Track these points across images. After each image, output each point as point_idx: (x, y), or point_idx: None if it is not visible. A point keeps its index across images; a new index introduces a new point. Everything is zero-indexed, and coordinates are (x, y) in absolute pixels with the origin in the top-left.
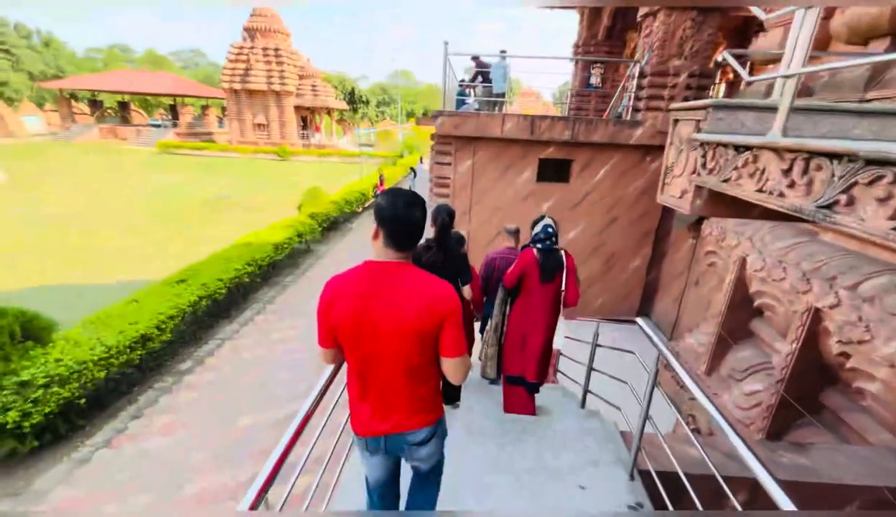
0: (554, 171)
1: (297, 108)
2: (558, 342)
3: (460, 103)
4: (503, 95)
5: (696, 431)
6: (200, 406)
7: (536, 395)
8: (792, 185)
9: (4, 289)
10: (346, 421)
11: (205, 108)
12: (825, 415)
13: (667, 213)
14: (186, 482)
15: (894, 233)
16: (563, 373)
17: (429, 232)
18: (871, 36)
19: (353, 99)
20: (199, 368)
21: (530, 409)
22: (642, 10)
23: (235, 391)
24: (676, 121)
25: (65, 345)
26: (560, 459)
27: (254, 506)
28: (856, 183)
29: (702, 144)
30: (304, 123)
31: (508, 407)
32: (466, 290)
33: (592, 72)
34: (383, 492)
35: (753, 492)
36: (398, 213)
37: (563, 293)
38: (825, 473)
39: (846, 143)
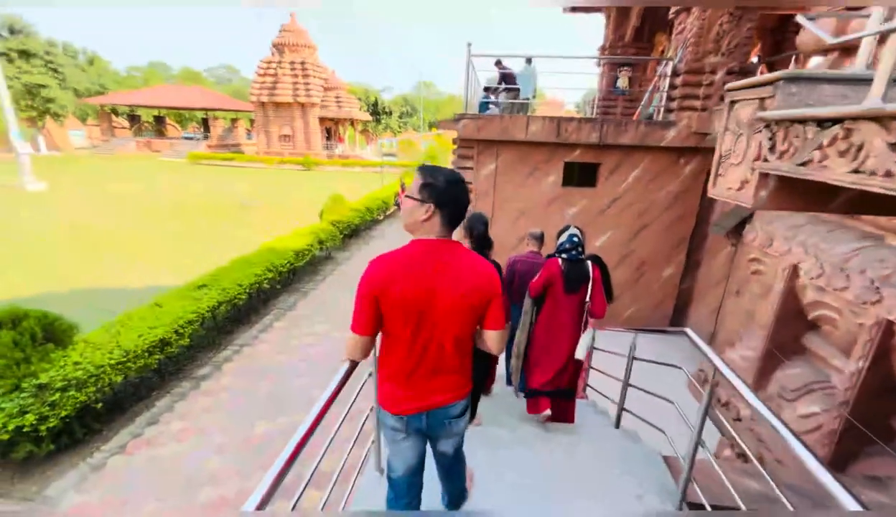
0: (580, 176)
1: (322, 120)
2: (580, 352)
3: (484, 107)
4: (527, 105)
5: (742, 457)
6: (217, 412)
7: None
8: None
9: (34, 292)
10: (364, 421)
11: (234, 120)
12: None
13: (702, 218)
14: (200, 490)
15: None
16: (592, 388)
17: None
18: None
19: (376, 110)
20: (217, 374)
21: (561, 416)
22: (675, 7)
23: (252, 397)
24: (733, 102)
25: (84, 348)
26: (596, 485)
27: (261, 506)
28: None
29: (769, 125)
30: (329, 134)
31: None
32: None
33: (619, 75)
34: (412, 480)
35: None
36: (457, 195)
37: (588, 304)
38: None
39: None
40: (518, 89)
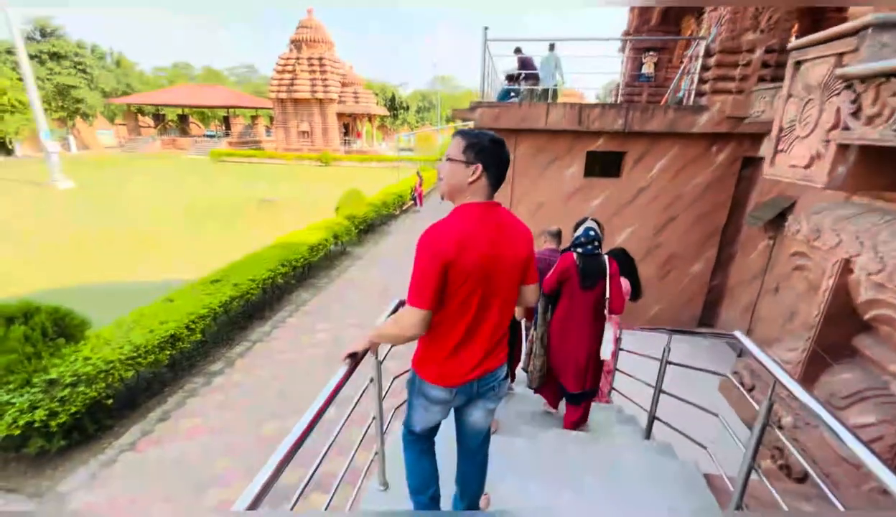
0: (604, 165)
1: (340, 115)
2: (605, 352)
3: (505, 96)
4: (554, 91)
5: (785, 469)
6: (227, 410)
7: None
8: None
9: (54, 285)
10: (368, 427)
11: (254, 118)
12: None
13: (735, 210)
14: (207, 491)
15: None
16: (617, 392)
17: None
18: None
19: (393, 105)
20: (229, 370)
21: (577, 420)
22: None
23: (262, 395)
24: (798, 63)
25: (96, 343)
26: (627, 506)
27: (253, 506)
28: None
29: (852, 84)
30: (346, 130)
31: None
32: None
33: (644, 61)
34: (430, 434)
35: None
36: (502, 155)
37: (606, 301)
38: None
39: None
40: (537, 76)
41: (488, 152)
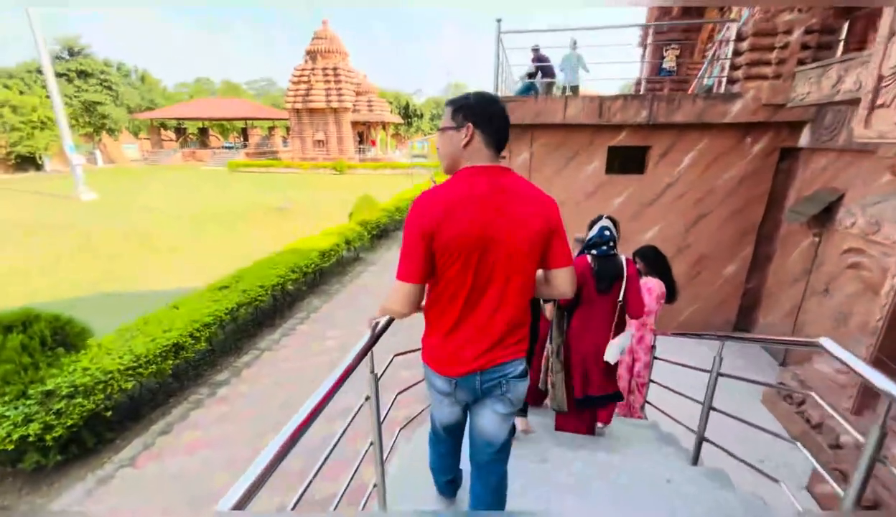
0: (626, 161)
1: (354, 124)
2: (609, 354)
3: (526, 90)
4: (576, 88)
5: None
6: (230, 422)
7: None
8: None
9: (65, 295)
10: (370, 447)
11: (271, 129)
12: None
13: (773, 205)
14: (203, 510)
15: None
16: (652, 406)
17: None
18: None
19: (407, 113)
20: (235, 380)
21: (598, 421)
22: None
23: (267, 407)
24: None
25: (96, 352)
26: None
27: (239, 506)
28: None
29: None
30: (361, 138)
31: (566, 427)
32: (548, 308)
33: (665, 55)
34: (453, 435)
35: None
36: (494, 112)
37: (623, 304)
38: None
39: None
40: (552, 70)
41: (476, 109)
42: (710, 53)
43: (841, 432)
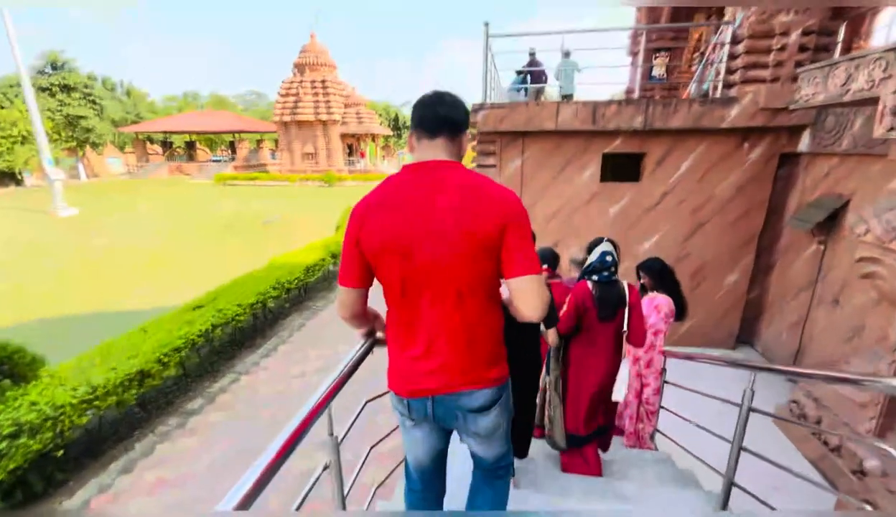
0: (622, 168)
1: (343, 136)
2: (620, 392)
3: (521, 83)
4: (569, 96)
5: None
6: (198, 458)
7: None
8: None
9: (23, 319)
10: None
11: (259, 142)
12: None
13: (774, 212)
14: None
15: None
16: (664, 435)
17: None
18: None
19: (397, 125)
20: (209, 407)
21: (594, 469)
22: None
23: (243, 436)
24: None
25: (48, 383)
26: None
27: (242, 506)
28: None
29: None
30: (350, 150)
31: (572, 468)
32: (551, 334)
33: (655, 62)
34: (424, 478)
35: None
36: (424, 102)
37: (625, 332)
38: None
39: None
40: (543, 75)
41: (413, 113)
42: (703, 58)
43: (864, 457)
